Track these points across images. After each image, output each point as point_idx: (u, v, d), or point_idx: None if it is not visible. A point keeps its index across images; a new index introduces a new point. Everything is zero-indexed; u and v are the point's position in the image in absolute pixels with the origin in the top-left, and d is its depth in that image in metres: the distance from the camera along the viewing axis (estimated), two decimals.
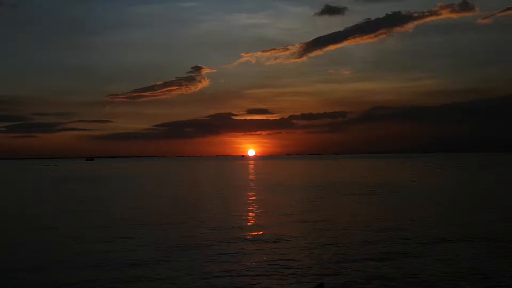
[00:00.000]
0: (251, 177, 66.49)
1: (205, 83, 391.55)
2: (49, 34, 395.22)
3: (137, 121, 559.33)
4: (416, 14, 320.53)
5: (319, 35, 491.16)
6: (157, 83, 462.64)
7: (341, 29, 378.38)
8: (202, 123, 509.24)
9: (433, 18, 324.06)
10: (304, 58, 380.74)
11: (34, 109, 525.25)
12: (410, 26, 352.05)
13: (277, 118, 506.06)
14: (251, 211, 25.73)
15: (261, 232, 18.70)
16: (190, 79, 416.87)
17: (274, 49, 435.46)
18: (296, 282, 11.56)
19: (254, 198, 33.76)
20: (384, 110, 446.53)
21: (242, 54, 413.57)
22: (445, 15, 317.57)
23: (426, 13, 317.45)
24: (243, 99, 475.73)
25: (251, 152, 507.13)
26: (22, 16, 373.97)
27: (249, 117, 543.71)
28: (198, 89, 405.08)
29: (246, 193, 38.10)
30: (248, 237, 17.79)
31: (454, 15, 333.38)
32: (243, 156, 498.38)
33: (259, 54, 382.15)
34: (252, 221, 21.88)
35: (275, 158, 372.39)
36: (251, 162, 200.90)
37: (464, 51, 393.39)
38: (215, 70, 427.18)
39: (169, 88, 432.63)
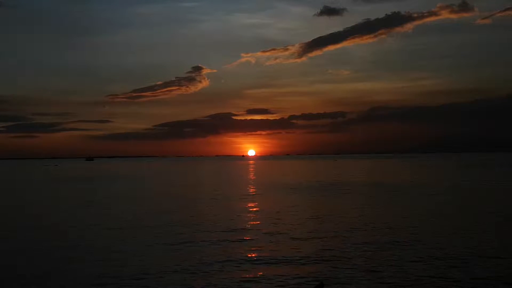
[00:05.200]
0: (250, 176, 66.46)
1: (205, 83, 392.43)
2: (49, 34, 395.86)
3: (137, 121, 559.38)
4: (415, 15, 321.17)
5: (319, 35, 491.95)
6: (157, 83, 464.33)
7: (341, 30, 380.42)
8: (202, 123, 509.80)
9: (433, 18, 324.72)
10: (304, 58, 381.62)
11: (34, 109, 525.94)
12: (409, 27, 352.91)
13: (277, 118, 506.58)
14: (251, 211, 25.76)
15: (260, 232, 18.71)
16: (190, 79, 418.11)
17: (274, 49, 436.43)
18: (296, 281, 11.58)
19: (254, 198, 33.78)
20: (384, 110, 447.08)
21: (242, 54, 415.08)
22: (445, 15, 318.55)
23: (425, 14, 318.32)
24: (243, 99, 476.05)
25: (251, 152, 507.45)
26: (22, 16, 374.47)
27: (249, 117, 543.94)
28: (198, 89, 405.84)
29: (245, 193, 38.11)
30: (247, 237, 17.80)
31: (453, 16, 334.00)
32: (243, 156, 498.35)
33: (259, 54, 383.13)
34: (252, 221, 21.89)
35: (275, 158, 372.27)
36: (251, 162, 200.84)
37: (464, 51, 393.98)
38: (215, 70, 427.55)
39: (169, 88, 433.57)
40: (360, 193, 35.57)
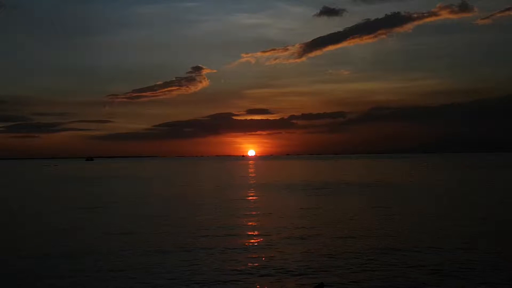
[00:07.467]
0: (251, 176, 66.45)
1: (205, 83, 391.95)
2: (49, 34, 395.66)
3: (137, 121, 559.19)
4: (415, 15, 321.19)
5: (319, 36, 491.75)
6: (157, 83, 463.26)
7: (341, 30, 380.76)
8: (202, 123, 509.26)
9: (433, 18, 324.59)
10: (304, 59, 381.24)
11: (34, 109, 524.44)
12: (409, 27, 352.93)
13: (277, 118, 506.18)
14: (251, 212, 25.73)
15: (260, 233, 18.69)
16: (190, 79, 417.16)
17: (274, 49, 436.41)
18: (296, 282, 11.56)
19: (253, 199, 33.78)
20: (384, 110, 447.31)
21: (242, 54, 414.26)
22: (445, 15, 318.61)
23: (425, 14, 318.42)
24: (243, 99, 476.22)
25: (251, 152, 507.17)
26: (22, 16, 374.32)
27: (249, 117, 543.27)
28: (198, 89, 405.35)
29: (246, 194, 38.09)
30: (247, 237, 17.79)
31: (453, 16, 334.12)
32: (243, 156, 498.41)
33: (259, 54, 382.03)
34: (251, 222, 21.87)
35: (275, 158, 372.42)
36: (251, 162, 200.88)
37: (464, 51, 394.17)
38: (215, 70, 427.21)
39: (169, 88, 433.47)
40: (360, 194, 35.54)
